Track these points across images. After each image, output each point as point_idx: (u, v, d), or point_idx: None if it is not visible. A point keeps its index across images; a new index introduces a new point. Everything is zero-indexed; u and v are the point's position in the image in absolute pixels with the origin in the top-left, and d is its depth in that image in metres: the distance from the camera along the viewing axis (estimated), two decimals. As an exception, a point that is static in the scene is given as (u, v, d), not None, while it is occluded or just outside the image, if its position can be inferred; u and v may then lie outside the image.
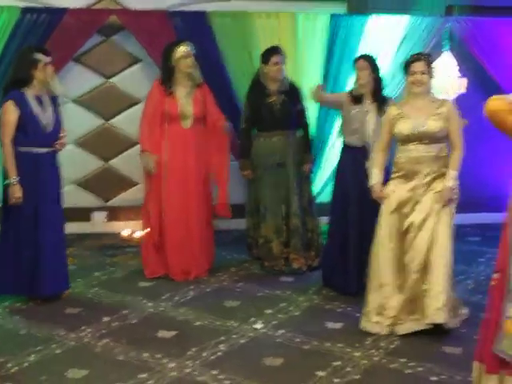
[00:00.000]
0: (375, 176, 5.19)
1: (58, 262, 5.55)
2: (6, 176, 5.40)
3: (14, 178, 5.29)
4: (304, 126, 6.48)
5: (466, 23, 7.37)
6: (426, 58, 5.16)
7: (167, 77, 6.11)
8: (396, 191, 5.10)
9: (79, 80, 7.27)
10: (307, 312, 5.50)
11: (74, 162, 7.03)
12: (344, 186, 5.87)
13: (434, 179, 5.04)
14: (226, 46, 7.03)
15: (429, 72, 5.09)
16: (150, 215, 6.18)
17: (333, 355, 4.66)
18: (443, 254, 4.97)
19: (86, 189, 7.46)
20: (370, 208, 5.51)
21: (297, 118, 6.42)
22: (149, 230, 6.21)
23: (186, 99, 6.12)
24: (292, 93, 6.41)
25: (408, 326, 5.01)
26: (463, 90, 6.92)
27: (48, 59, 5.41)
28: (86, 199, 7.42)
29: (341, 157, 6.00)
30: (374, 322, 5.08)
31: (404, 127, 5.05)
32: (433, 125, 5.01)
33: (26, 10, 6.70)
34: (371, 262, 5.17)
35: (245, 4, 7.14)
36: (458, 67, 6.95)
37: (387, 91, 6.78)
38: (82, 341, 4.85)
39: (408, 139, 5.06)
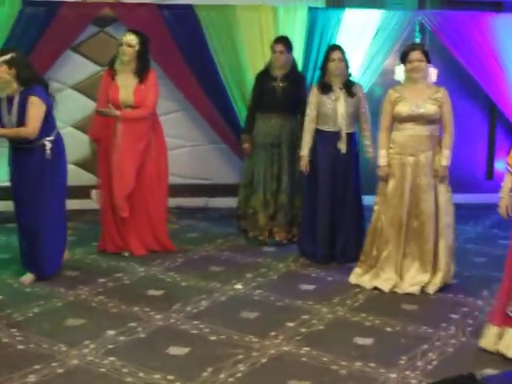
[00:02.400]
0: (382, 158, 5.64)
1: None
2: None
3: None
4: (302, 112, 6.67)
5: (436, 17, 7.80)
6: (421, 47, 5.66)
7: (112, 64, 6.26)
8: (397, 170, 5.60)
9: (77, 68, 7.67)
10: (284, 276, 6.00)
11: (73, 145, 7.07)
12: (316, 167, 6.26)
13: (428, 156, 5.54)
14: (212, 36, 7.45)
15: (425, 60, 5.52)
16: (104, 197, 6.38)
17: (302, 310, 5.18)
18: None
19: (84, 168, 7.75)
20: (340, 187, 6.15)
21: (296, 104, 6.71)
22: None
23: (126, 88, 6.16)
24: (296, 80, 6.79)
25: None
26: (434, 79, 7.45)
27: None
28: (85, 178, 7.68)
29: (315, 141, 6.27)
30: None
31: (403, 109, 5.52)
32: (429, 108, 5.50)
33: (26, 3, 7.11)
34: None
35: (229, -3, 7.53)
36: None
37: (363, 80, 7.37)
38: (80, 297, 5.35)
39: (406, 119, 5.54)
